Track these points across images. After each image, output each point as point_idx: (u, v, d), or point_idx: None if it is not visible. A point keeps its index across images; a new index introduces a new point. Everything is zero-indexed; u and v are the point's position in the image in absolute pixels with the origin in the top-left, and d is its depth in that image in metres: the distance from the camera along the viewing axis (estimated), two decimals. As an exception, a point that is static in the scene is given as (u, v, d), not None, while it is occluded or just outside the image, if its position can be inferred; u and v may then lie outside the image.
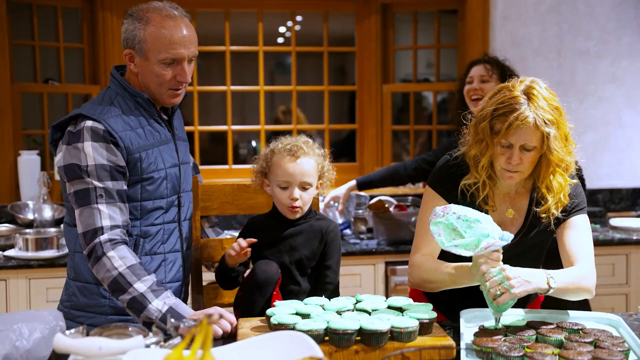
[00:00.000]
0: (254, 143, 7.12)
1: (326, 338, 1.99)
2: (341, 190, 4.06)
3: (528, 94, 2.24)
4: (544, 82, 2.31)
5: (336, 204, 4.09)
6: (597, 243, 3.87)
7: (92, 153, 2.35)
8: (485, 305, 2.28)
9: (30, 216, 4.23)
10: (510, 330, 2.10)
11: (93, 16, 4.64)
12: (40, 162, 4.43)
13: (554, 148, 2.24)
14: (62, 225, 4.00)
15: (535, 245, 2.43)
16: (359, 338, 1.99)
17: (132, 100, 2.47)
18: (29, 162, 4.38)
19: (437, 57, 5.13)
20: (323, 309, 2.16)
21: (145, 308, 2.24)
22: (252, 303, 2.32)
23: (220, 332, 2.16)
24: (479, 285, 2.15)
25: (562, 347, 1.98)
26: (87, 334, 1.75)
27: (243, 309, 2.36)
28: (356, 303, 2.23)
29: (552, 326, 2.12)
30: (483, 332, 2.08)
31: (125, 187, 2.40)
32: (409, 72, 5.81)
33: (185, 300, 2.62)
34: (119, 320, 2.44)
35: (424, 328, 2.05)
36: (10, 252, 3.69)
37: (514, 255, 2.33)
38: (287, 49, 5.17)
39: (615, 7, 4.75)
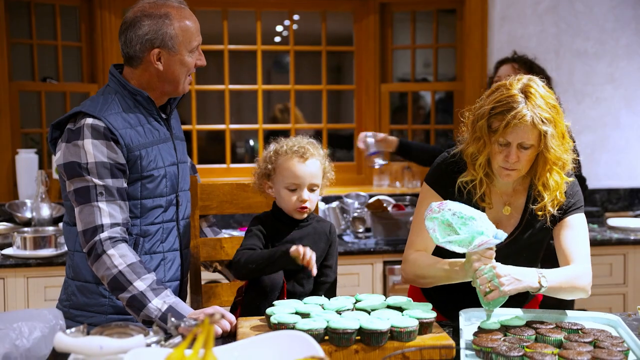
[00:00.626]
0: (251, 142, 7.12)
1: (326, 337, 1.99)
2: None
3: (525, 92, 2.24)
4: (542, 80, 2.32)
5: (369, 138, 4.07)
6: (595, 243, 3.89)
7: (92, 150, 2.34)
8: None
9: (28, 215, 4.22)
10: (509, 330, 2.10)
11: (91, 15, 4.64)
12: (38, 160, 4.42)
13: (551, 146, 2.25)
14: (60, 224, 4.00)
15: (532, 243, 2.44)
16: (358, 337, 1.99)
17: (132, 99, 2.47)
18: (26, 160, 4.38)
19: (435, 56, 5.14)
20: (323, 308, 2.17)
21: (145, 307, 2.24)
22: (257, 309, 2.31)
23: (220, 331, 2.16)
24: (471, 282, 2.17)
25: (561, 347, 1.98)
26: (88, 333, 1.75)
27: (247, 315, 2.35)
28: (356, 302, 2.23)
29: (551, 326, 2.12)
30: (482, 331, 2.09)
31: (125, 185, 2.39)
32: (406, 71, 5.81)
33: (183, 300, 2.62)
34: (119, 319, 2.43)
35: (424, 327, 2.05)
36: (8, 251, 3.69)
37: (510, 253, 2.34)
38: (286, 48, 5.17)
39: (613, 8, 4.76)
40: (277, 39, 7.23)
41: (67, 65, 4.73)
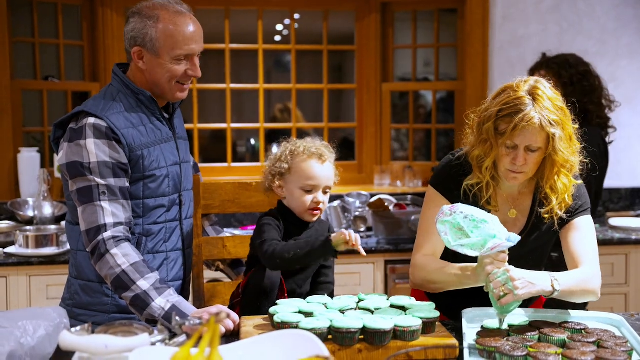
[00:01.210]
0: (252, 141, 7.12)
1: (329, 337, 1.99)
2: None
3: (533, 94, 2.23)
4: (548, 81, 2.31)
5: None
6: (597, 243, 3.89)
7: (95, 150, 2.34)
8: (486, 305, 2.29)
9: (30, 213, 4.23)
10: (513, 330, 2.10)
11: (93, 13, 4.64)
12: (40, 159, 4.42)
13: (559, 149, 2.23)
14: (62, 223, 4.01)
15: (538, 246, 2.43)
16: (362, 337, 2.00)
17: (134, 98, 2.47)
18: (28, 159, 4.38)
19: (437, 56, 5.14)
20: (326, 307, 2.17)
21: (148, 306, 2.24)
22: (258, 310, 2.31)
23: (223, 330, 2.16)
24: (484, 286, 2.15)
25: (565, 346, 1.98)
26: (93, 332, 1.75)
27: (246, 315, 2.34)
28: (359, 302, 2.24)
29: (554, 326, 2.12)
30: (486, 331, 2.09)
31: (127, 185, 2.40)
32: (406, 71, 5.81)
33: (185, 299, 2.62)
34: (122, 318, 2.43)
35: (427, 327, 2.05)
36: (10, 249, 3.69)
37: (516, 256, 2.33)
38: (287, 47, 5.17)
39: (615, 7, 4.77)
40: (278, 38, 7.23)
41: (69, 63, 4.73)
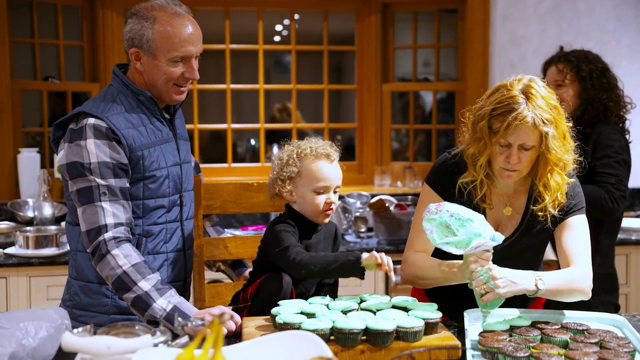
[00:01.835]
0: (252, 141, 7.12)
1: (332, 338, 1.99)
2: None
3: (526, 93, 2.23)
4: (542, 80, 2.31)
5: None
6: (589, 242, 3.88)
7: (95, 150, 2.34)
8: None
9: (30, 214, 4.22)
10: (515, 330, 2.10)
11: (93, 14, 4.63)
12: (40, 159, 4.42)
13: (552, 147, 2.24)
14: (62, 223, 4.00)
15: (533, 244, 2.43)
16: (364, 338, 1.99)
17: (135, 99, 2.47)
18: (28, 159, 4.37)
19: (437, 56, 5.14)
20: (328, 308, 2.16)
21: (150, 307, 2.24)
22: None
23: (225, 331, 2.16)
24: (468, 286, 2.17)
25: (567, 347, 1.98)
26: (95, 333, 1.74)
27: None
28: (361, 302, 2.23)
29: (556, 326, 2.12)
30: (488, 332, 2.09)
31: (127, 185, 2.39)
32: (406, 71, 5.81)
33: (186, 300, 2.61)
34: (122, 319, 2.43)
35: (430, 328, 2.05)
36: (10, 250, 3.69)
37: (511, 254, 2.34)
38: (287, 48, 5.17)
39: (614, 8, 4.77)
40: (277, 38, 7.22)
41: (69, 64, 4.73)
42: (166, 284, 2.29)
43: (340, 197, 4.37)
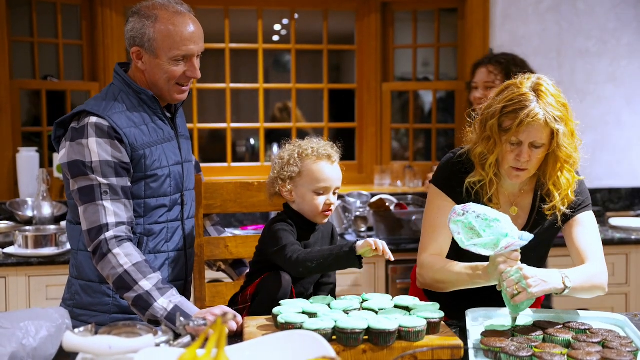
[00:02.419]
0: (252, 141, 7.11)
1: (333, 337, 1.98)
2: None
3: (536, 90, 2.24)
4: (550, 79, 2.31)
5: None
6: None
7: (97, 149, 2.33)
8: (488, 305, 2.29)
9: (29, 213, 4.21)
10: (517, 330, 2.10)
11: (92, 13, 4.62)
12: (39, 159, 4.40)
13: (562, 144, 2.25)
14: (62, 223, 4.00)
15: (540, 242, 2.42)
16: (366, 337, 1.99)
17: (136, 97, 2.46)
18: (27, 158, 4.36)
19: (437, 56, 5.13)
20: (329, 307, 2.16)
21: (151, 306, 2.23)
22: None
23: (226, 331, 2.15)
24: (496, 285, 2.15)
25: (569, 347, 1.98)
26: (96, 333, 1.74)
27: None
28: (362, 302, 2.22)
29: (558, 326, 2.12)
30: (490, 332, 2.08)
31: (129, 184, 2.39)
32: (405, 70, 5.80)
33: (187, 299, 2.61)
34: (123, 319, 2.43)
35: (432, 327, 2.05)
36: (9, 250, 3.67)
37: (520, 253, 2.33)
38: (287, 47, 5.16)
39: (614, 7, 4.76)
40: (276, 37, 7.21)
41: (68, 63, 4.71)
42: (167, 284, 2.29)
43: (340, 197, 4.37)
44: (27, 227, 3.90)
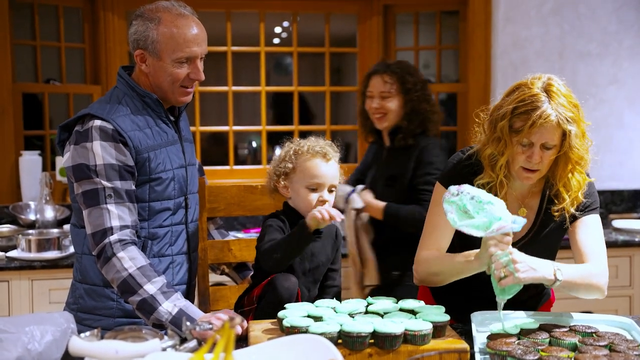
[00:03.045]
0: (254, 144, 7.11)
1: (339, 341, 1.98)
2: None
3: (548, 91, 2.22)
4: (562, 79, 2.30)
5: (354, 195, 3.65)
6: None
7: (101, 152, 2.33)
8: (494, 308, 2.28)
9: (32, 217, 4.21)
10: (523, 333, 2.09)
11: (94, 16, 4.62)
12: (41, 162, 4.40)
13: (574, 145, 2.23)
14: (64, 226, 3.99)
15: (548, 244, 2.41)
16: (372, 341, 1.98)
17: (140, 101, 2.46)
18: (30, 162, 4.36)
19: (439, 58, 5.13)
20: (335, 311, 2.15)
21: (156, 310, 2.23)
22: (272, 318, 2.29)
23: (232, 334, 2.14)
24: (485, 271, 2.13)
25: (576, 350, 1.97)
26: (102, 337, 1.73)
27: None
28: (368, 305, 2.22)
29: (565, 329, 2.11)
30: (496, 335, 2.07)
31: (133, 187, 2.38)
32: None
33: (191, 303, 2.60)
34: (127, 322, 2.42)
35: (438, 331, 2.04)
36: (12, 253, 3.67)
37: (526, 254, 2.32)
38: (289, 50, 5.16)
39: (616, 10, 4.76)
40: (276, 40, 7.21)
41: (71, 66, 4.72)
42: (172, 287, 2.28)
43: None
44: (30, 231, 3.90)
